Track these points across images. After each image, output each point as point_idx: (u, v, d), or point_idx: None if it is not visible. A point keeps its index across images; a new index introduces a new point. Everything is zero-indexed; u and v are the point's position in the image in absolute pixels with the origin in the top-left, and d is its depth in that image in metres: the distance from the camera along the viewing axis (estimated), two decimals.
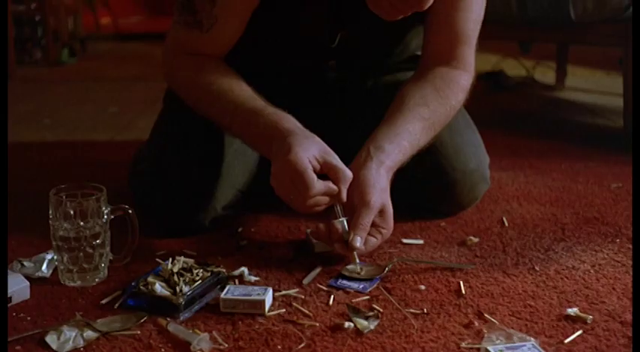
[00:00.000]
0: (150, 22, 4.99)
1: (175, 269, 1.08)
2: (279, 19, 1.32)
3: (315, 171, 1.12)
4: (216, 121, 1.28)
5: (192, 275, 1.07)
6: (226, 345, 0.93)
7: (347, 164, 1.17)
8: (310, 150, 1.13)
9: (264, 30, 1.33)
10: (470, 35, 1.34)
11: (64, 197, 1.09)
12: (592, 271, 1.18)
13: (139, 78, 3.37)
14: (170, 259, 1.11)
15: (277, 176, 1.15)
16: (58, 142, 2.18)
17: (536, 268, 1.19)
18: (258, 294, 1.03)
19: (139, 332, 0.97)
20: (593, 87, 3.03)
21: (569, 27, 2.13)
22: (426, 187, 1.39)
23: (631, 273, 1.16)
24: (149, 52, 3.99)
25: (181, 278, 1.06)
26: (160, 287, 1.04)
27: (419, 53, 1.42)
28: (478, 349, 0.93)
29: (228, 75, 1.29)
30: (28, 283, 1.08)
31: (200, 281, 1.06)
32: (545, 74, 3.14)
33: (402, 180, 1.40)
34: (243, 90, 1.26)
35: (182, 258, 1.12)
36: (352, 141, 1.25)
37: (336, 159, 1.15)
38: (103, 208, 1.11)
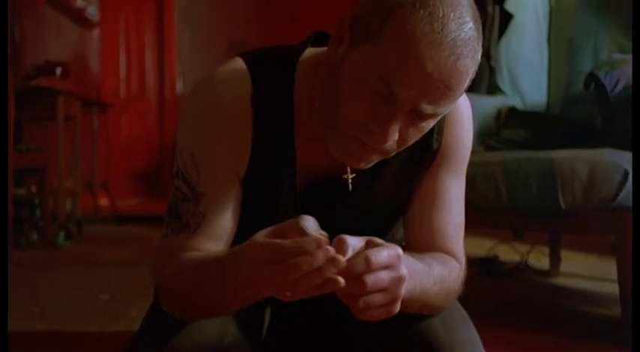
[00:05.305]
0: (147, 204, 5.08)
1: None
2: (257, 203, 1.26)
3: None
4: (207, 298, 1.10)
5: None
6: None
7: None
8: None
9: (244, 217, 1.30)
10: (452, 235, 1.30)
11: None
12: None
13: (131, 262, 3.37)
14: None
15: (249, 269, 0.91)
16: (46, 333, 2.13)
17: None
18: None
19: None
20: (587, 272, 3.03)
21: (559, 216, 2.16)
22: None
23: None
24: (145, 235, 4.03)
25: None
26: None
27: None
28: None
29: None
30: None
31: None
32: (540, 259, 3.15)
33: None
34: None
35: None
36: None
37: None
38: None
